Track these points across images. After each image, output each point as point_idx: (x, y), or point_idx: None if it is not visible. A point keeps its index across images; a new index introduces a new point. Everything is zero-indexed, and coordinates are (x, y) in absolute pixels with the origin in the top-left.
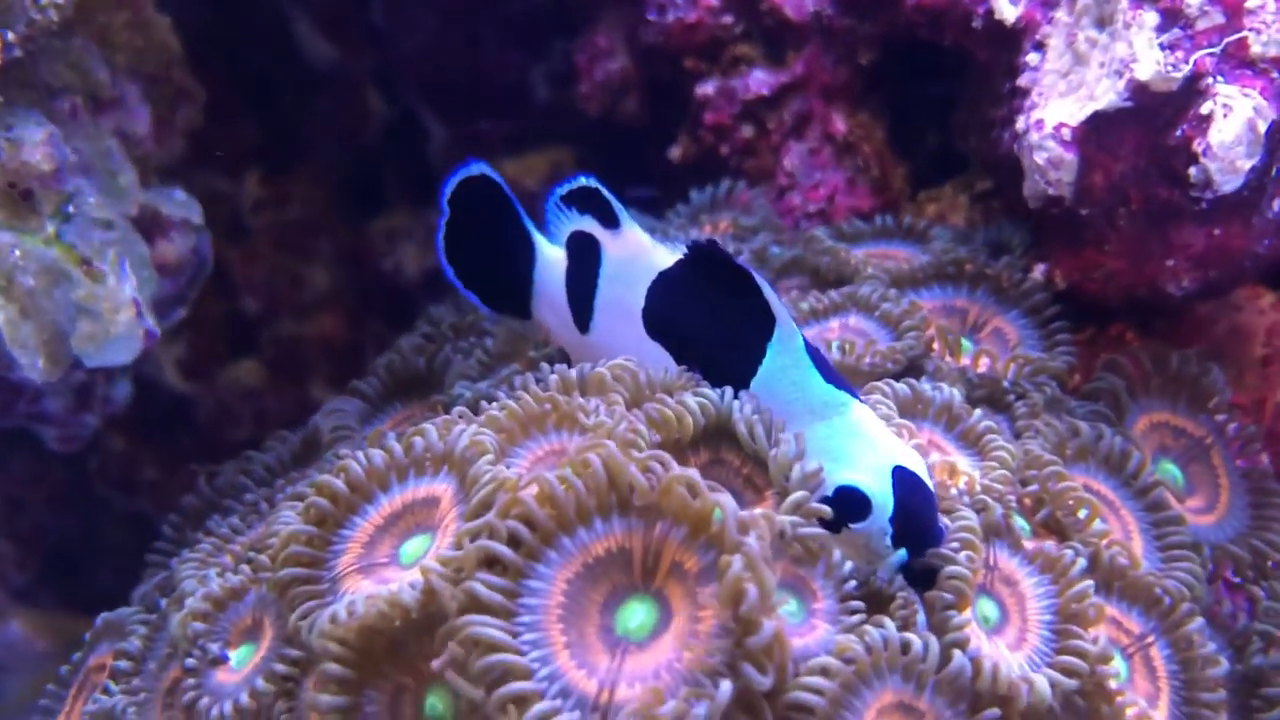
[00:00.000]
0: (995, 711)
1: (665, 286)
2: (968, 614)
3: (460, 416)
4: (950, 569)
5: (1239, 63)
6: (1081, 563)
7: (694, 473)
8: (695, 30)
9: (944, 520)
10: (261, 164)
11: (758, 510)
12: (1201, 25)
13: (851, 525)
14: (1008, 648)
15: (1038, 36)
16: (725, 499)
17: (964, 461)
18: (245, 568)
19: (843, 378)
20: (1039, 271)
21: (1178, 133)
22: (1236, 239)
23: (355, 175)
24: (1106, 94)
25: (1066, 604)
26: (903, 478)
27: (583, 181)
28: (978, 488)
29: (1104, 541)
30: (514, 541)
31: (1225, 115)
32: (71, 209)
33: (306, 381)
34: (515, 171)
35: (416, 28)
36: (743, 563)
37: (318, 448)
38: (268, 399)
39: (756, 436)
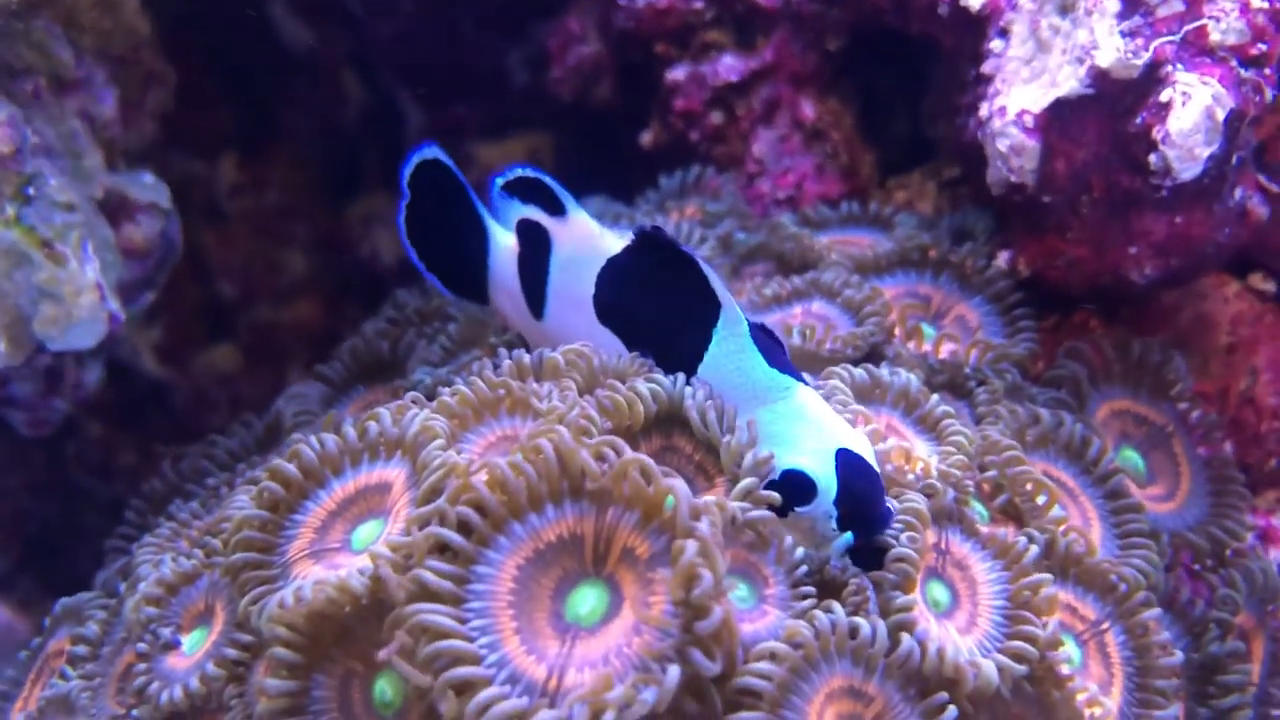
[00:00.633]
0: (944, 696)
1: (614, 273)
2: (914, 595)
3: (414, 401)
4: (896, 550)
5: (1198, 50)
6: (1035, 550)
7: (647, 458)
8: (666, 15)
9: (891, 502)
10: (238, 148)
11: (710, 497)
12: (1162, 13)
13: (797, 509)
14: (958, 631)
15: (1002, 23)
16: (678, 485)
17: (922, 447)
18: (199, 552)
19: (789, 362)
20: (1002, 259)
21: (1138, 120)
22: (1198, 227)
23: (332, 160)
24: (1068, 81)
25: (1019, 591)
26: (847, 460)
27: (520, 172)
28: (934, 472)
29: (1061, 528)
30: (465, 528)
31: (1184, 103)
32: (32, 191)
33: (283, 367)
34: (492, 157)
35: (394, 11)
36: (695, 548)
37: (280, 432)
38: (244, 384)
39: (709, 423)
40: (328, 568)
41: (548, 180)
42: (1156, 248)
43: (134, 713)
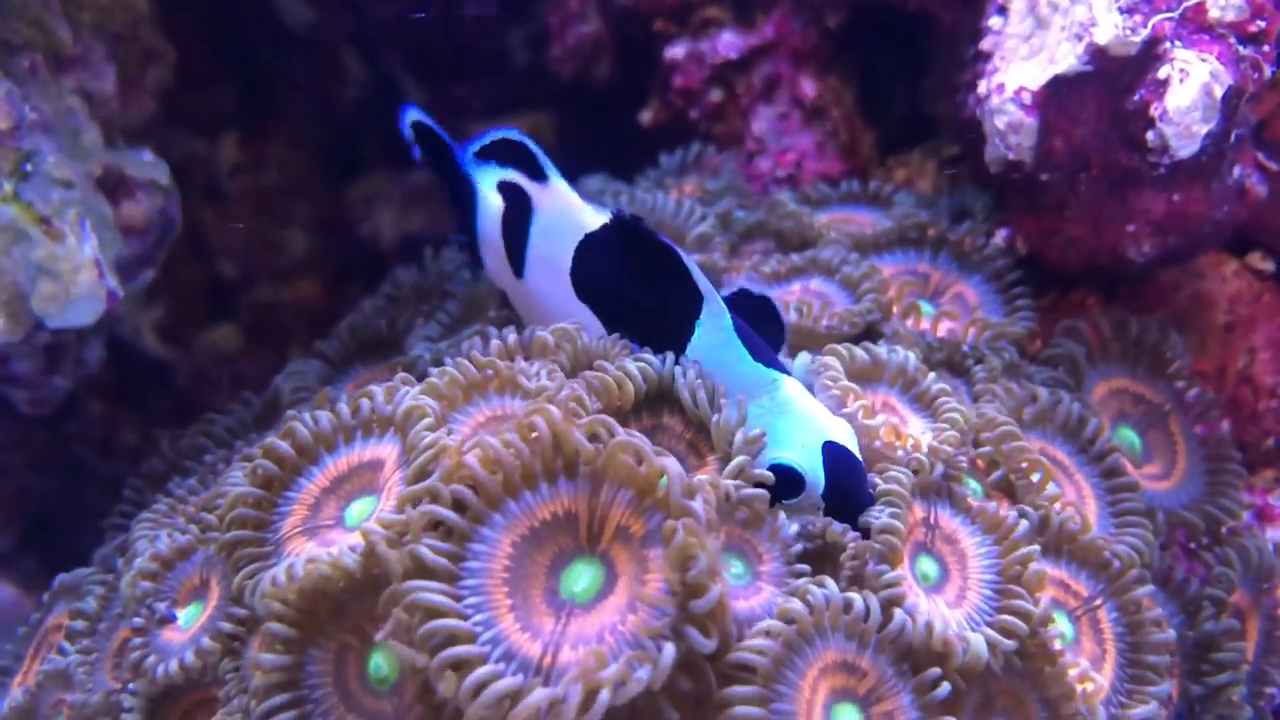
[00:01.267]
0: (936, 671)
1: (592, 250)
2: (901, 569)
3: (404, 381)
4: (880, 523)
5: (1197, 27)
6: (1025, 525)
7: (640, 437)
8: None
9: (875, 479)
10: (238, 127)
11: (703, 475)
12: None
13: (785, 501)
14: (947, 605)
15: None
16: (671, 463)
17: (917, 424)
18: (194, 528)
19: (773, 354)
20: (1001, 237)
21: (1136, 97)
22: (1196, 205)
23: (333, 140)
24: (1067, 58)
25: (1009, 566)
26: (833, 453)
27: (501, 135)
28: (924, 449)
29: (1055, 505)
30: (459, 505)
31: (1182, 80)
32: (29, 167)
33: (284, 347)
34: None
35: None
36: (687, 529)
37: (279, 409)
38: (245, 364)
39: (699, 402)
40: (321, 544)
41: (530, 145)
42: (1155, 226)
43: (130, 686)
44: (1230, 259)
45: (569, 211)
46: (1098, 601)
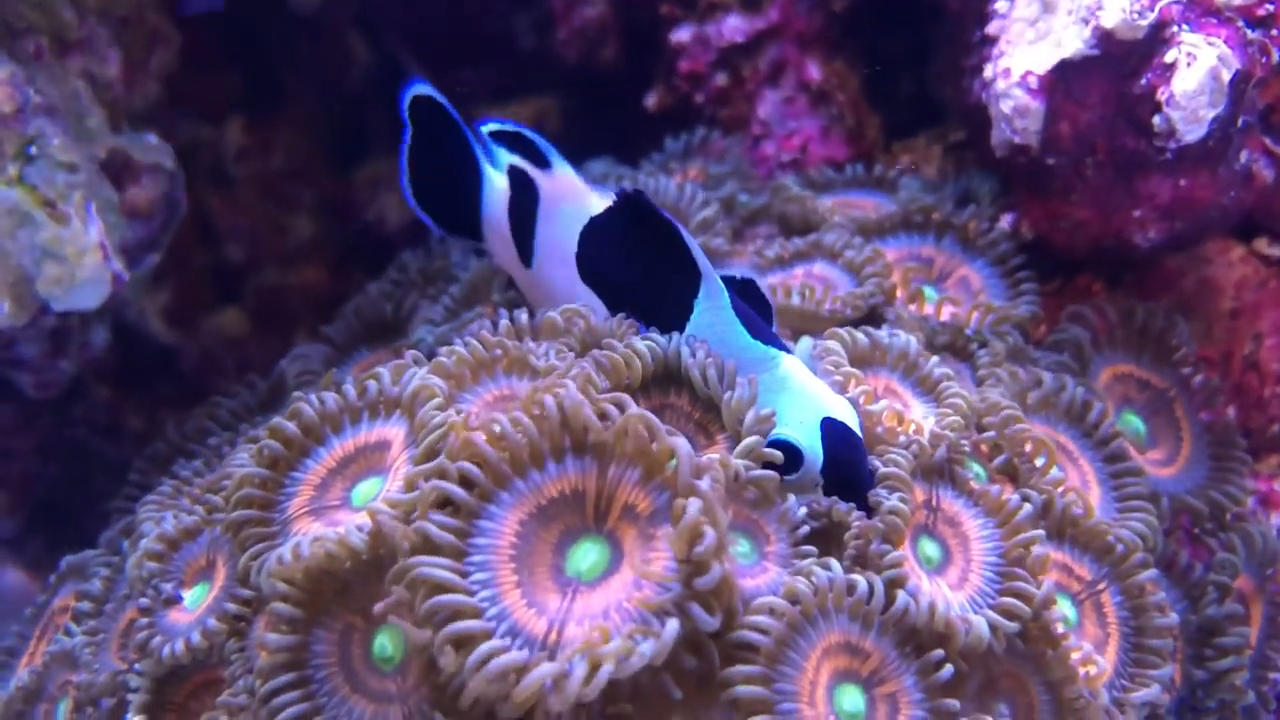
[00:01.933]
0: (939, 652)
1: (596, 234)
2: (903, 550)
3: (414, 361)
4: (884, 504)
5: (1204, 11)
6: (1027, 508)
7: (650, 415)
8: None
9: (875, 463)
10: (244, 111)
11: (713, 454)
12: None
13: (784, 478)
14: (949, 587)
15: None
16: (680, 442)
17: (919, 409)
18: (199, 509)
19: (771, 332)
20: (1006, 221)
21: (1143, 81)
22: (1203, 190)
23: (339, 124)
24: (1073, 42)
25: (1011, 549)
26: (832, 429)
27: (499, 126)
28: (926, 434)
29: (1059, 489)
30: (466, 483)
31: (1189, 64)
32: (34, 150)
33: (290, 331)
34: None
35: None
36: (698, 506)
37: (284, 393)
38: (251, 348)
39: (709, 381)
40: (327, 524)
41: (529, 134)
42: (1161, 211)
43: (136, 667)
44: (1237, 244)
45: (573, 197)
46: (1101, 585)
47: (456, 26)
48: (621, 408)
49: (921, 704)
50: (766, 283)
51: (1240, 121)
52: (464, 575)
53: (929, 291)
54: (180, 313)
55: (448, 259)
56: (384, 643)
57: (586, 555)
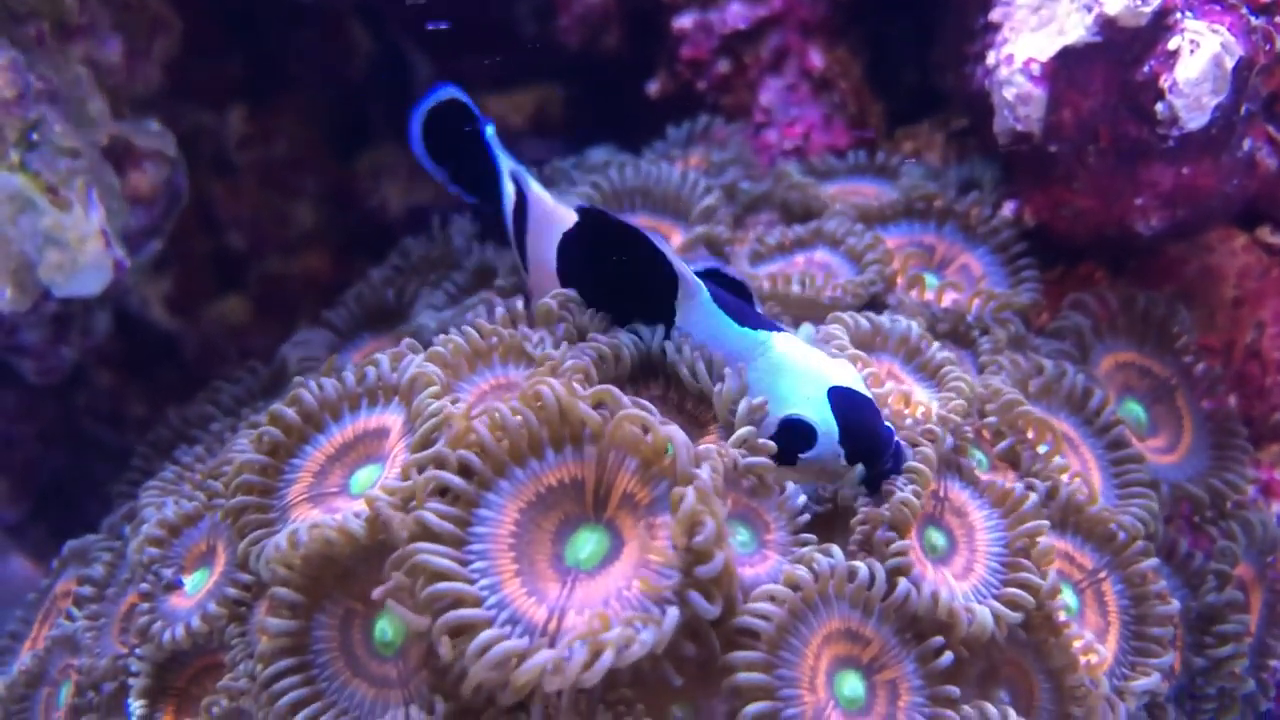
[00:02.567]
0: (939, 640)
1: (570, 247)
2: (910, 539)
3: (411, 348)
4: (897, 495)
5: None
6: (1033, 498)
7: (647, 406)
8: None
9: (889, 426)
10: (246, 99)
11: (710, 445)
12: None
13: (802, 455)
14: (954, 577)
15: None
16: (677, 432)
17: (922, 393)
18: (200, 495)
19: (758, 315)
20: (1008, 209)
21: (1145, 69)
22: (1205, 178)
23: (341, 112)
24: (1076, 29)
25: (1016, 539)
26: (840, 398)
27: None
28: (934, 417)
29: (1063, 476)
30: (465, 471)
31: (1192, 51)
32: (36, 136)
33: (293, 319)
34: (501, 109)
35: None
36: (696, 495)
37: (286, 379)
38: (254, 336)
39: (698, 374)
40: (326, 511)
41: (494, 153)
42: (1163, 199)
43: (137, 651)
44: (1239, 233)
45: (548, 213)
46: (1103, 574)
47: (458, 13)
48: (617, 400)
49: (921, 690)
50: (765, 271)
51: (1243, 109)
52: (464, 564)
53: (930, 278)
54: (182, 301)
55: (450, 245)
56: (385, 627)
57: (586, 544)
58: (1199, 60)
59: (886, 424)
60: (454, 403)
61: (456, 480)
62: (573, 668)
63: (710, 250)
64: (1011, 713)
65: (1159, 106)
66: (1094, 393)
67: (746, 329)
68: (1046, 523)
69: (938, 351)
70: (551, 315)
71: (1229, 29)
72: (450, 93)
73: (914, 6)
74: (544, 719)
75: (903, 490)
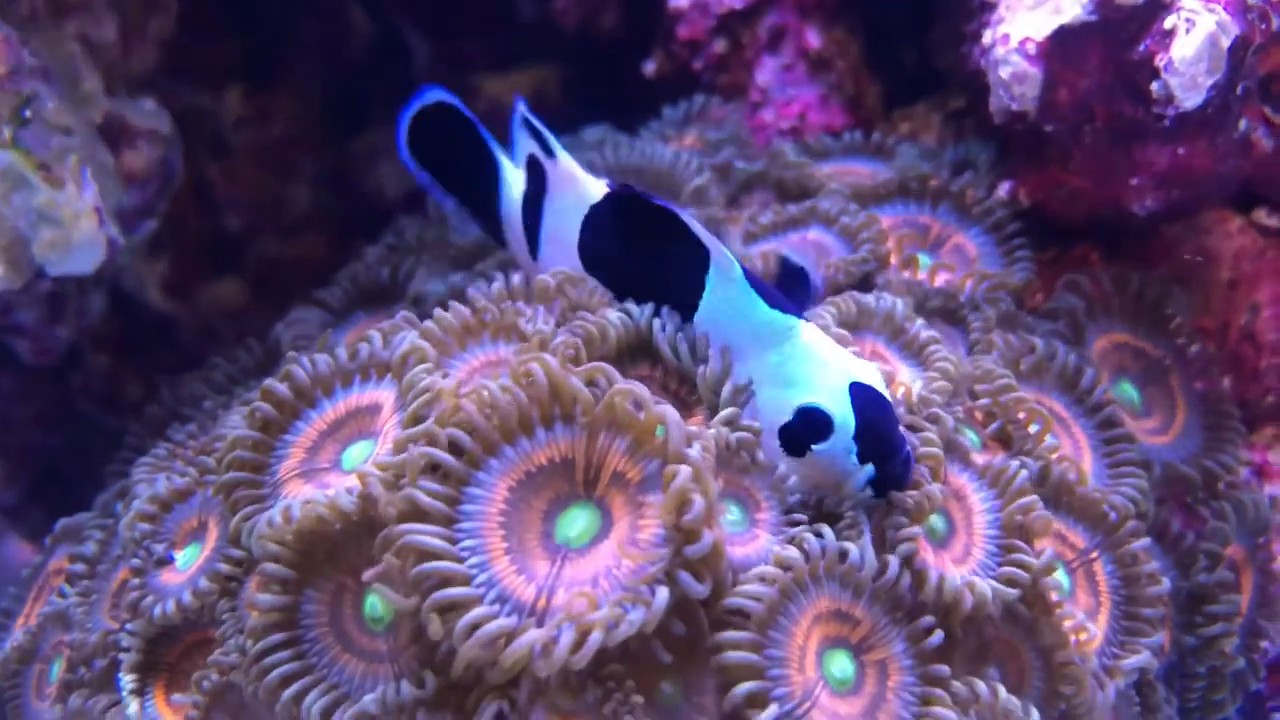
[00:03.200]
0: (930, 619)
1: (597, 222)
2: (919, 527)
3: (406, 321)
4: (918, 489)
5: None
6: (1024, 474)
7: (639, 385)
8: None
9: (906, 434)
10: (243, 79)
11: (699, 425)
12: None
13: (815, 446)
14: (954, 561)
15: None
16: (669, 411)
17: (906, 372)
18: (192, 470)
19: (787, 300)
20: (1003, 189)
21: (1141, 48)
22: (1200, 158)
23: (338, 93)
24: (1072, 7)
25: (1010, 516)
26: (861, 394)
27: (521, 109)
28: (915, 398)
29: (1054, 456)
30: (455, 449)
31: (1188, 30)
32: (29, 113)
33: (289, 301)
34: (499, 90)
35: None
36: (688, 474)
37: (279, 357)
38: (249, 318)
39: (680, 355)
40: (318, 487)
41: (534, 120)
42: (1158, 179)
43: (128, 626)
44: (1234, 215)
45: (573, 185)
46: (1094, 554)
47: None
48: (609, 378)
49: (911, 670)
50: (758, 250)
51: (1239, 89)
52: (453, 542)
53: (923, 258)
54: (179, 283)
55: (444, 225)
56: (375, 603)
57: (575, 522)
58: (1195, 39)
59: (902, 430)
60: (444, 377)
61: (446, 458)
62: (560, 651)
63: None
64: (1001, 689)
65: (1154, 86)
66: (1085, 372)
67: (776, 311)
68: (1037, 497)
69: (922, 330)
70: (548, 293)
71: (1225, 8)
72: (437, 95)
73: None
74: (534, 693)
75: (929, 485)
